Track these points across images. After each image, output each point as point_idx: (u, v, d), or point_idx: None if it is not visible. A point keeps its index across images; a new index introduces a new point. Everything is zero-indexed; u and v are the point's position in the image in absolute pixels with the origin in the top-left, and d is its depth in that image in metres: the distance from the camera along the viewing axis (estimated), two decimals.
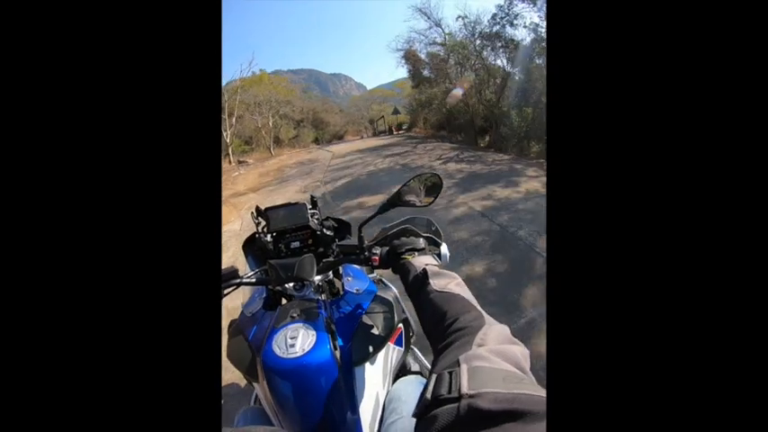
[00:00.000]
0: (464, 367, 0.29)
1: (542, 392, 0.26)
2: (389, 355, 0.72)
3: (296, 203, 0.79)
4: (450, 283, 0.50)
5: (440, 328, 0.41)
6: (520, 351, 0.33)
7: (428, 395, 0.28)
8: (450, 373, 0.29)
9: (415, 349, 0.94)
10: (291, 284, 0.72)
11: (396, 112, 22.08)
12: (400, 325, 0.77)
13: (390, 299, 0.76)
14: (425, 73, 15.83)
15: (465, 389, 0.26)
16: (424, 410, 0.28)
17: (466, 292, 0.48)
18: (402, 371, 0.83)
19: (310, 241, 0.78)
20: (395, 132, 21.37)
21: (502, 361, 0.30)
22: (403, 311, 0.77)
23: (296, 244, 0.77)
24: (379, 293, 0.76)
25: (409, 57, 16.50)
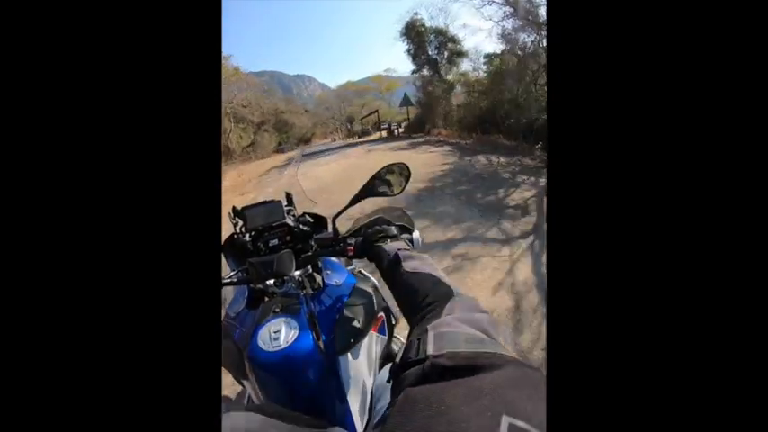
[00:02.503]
0: (431, 334, 0.31)
1: (503, 351, 0.28)
2: (373, 343, 0.76)
3: (272, 201, 0.80)
4: (421, 264, 0.53)
5: (413, 306, 0.45)
6: (486, 318, 0.36)
7: (398, 360, 0.31)
8: (419, 340, 0.32)
9: (400, 337, 0.98)
10: (272, 281, 0.73)
11: (406, 102, 17.44)
12: (381, 313, 0.81)
13: (370, 289, 0.80)
14: (431, 52, 13.66)
15: (430, 351, 0.29)
16: (396, 374, 0.31)
17: (436, 270, 0.51)
18: (388, 358, 0.87)
19: (288, 238, 0.80)
20: (397, 133, 17.35)
21: (467, 327, 0.33)
22: (383, 300, 0.82)
23: (274, 241, 0.79)
24: (358, 285, 0.80)
25: (412, 30, 13.90)
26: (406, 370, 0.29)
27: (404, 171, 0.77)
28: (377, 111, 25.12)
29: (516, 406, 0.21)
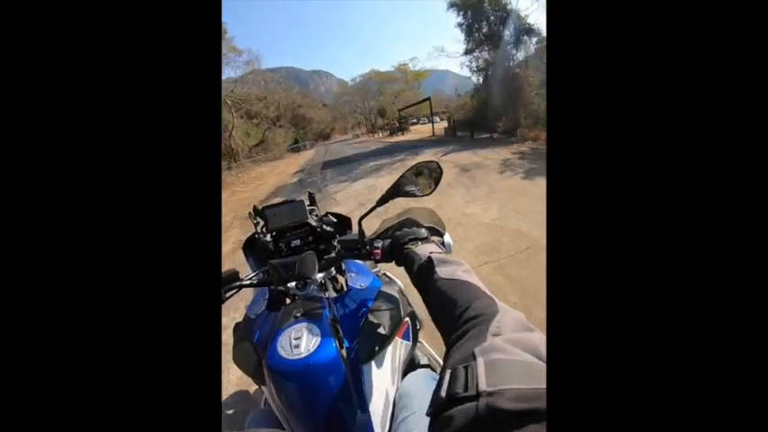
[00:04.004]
0: (480, 361, 0.28)
1: None
2: (397, 349, 0.73)
3: (294, 201, 0.79)
4: (457, 270, 0.48)
5: (450, 318, 0.40)
6: (539, 338, 0.31)
7: (443, 393, 0.27)
8: (466, 368, 0.28)
9: (424, 342, 0.95)
10: (294, 284, 0.72)
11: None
12: (407, 319, 0.78)
13: (395, 293, 0.77)
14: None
15: (483, 386, 0.25)
16: (440, 409, 0.27)
17: (475, 279, 0.47)
18: (411, 365, 0.84)
19: (310, 238, 0.78)
20: (447, 129, 14.30)
21: (521, 351, 0.29)
22: (409, 305, 0.79)
23: (296, 242, 0.78)
24: (383, 288, 0.77)
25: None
26: (451, 406, 0.25)
27: (434, 171, 0.73)
28: (429, 99, 19.97)
29: None
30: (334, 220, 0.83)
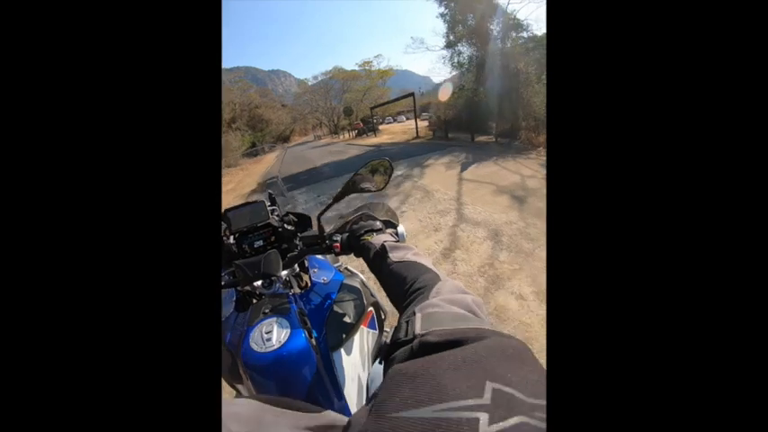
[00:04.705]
0: (418, 315, 0.33)
1: (486, 326, 0.30)
2: (364, 338, 0.78)
3: (255, 202, 0.81)
4: (407, 254, 0.55)
5: (401, 293, 0.46)
6: (471, 299, 0.38)
7: (388, 341, 0.33)
8: (407, 322, 0.33)
9: (389, 331, 1.00)
10: (260, 283, 0.74)
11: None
12: (371, 308, 0.82)
13: (357, 284, 0.81)
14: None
15: (417, 330, 0.30)
16: (387, 354, 0.32)
17: (423, 259, 0.53)
18: (380, 352, 0.90)
19: (273, 238, 0.80)
20: (438, 131, 12.54)
21: (453, 307, 0.35)
22: (372, 295, 0.84)
23: (259, 242, 0.79)
24: (345, 281, 0.81)
25: None
26: (395, 350, 0.31)
27: (387, 168, 0.79)
28: (412, 94, 16.87)
29: (499, 372, 0.23)
30: (295, 219, 0.86)
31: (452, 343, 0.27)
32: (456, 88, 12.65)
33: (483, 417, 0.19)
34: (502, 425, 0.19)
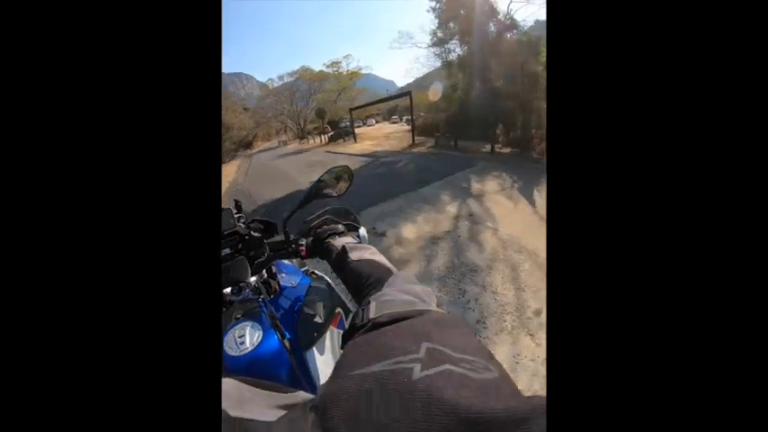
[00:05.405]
0: (373, 303, 0.37)
1: (432, 308, 0.35)
2: (335, 339, 0.82)
3: (222, 210, 0.82)
4: (365, 253, 0.60)
5: (359, 287, 0.52)
6: (421, 288, 0.43)
7: (346, 328, 0.38)
8: (363, 309, 0.38)
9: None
10: (229, 290, 0.76)
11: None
12: (338, 309, 0.87)
13: (324, 287, 0.86)
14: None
15: (371, 316, 0.35)
16: (346, 339, 0.36)
17: (379, 257, 0.59)
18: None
19: (240, 246, 0.82)
20: (439, 138, 11.09)
21: (404, 295, 0.39)
22: (339, 297, 0.88)
23: (226, 250, 0.81)
24: (313, 284, 0.86)
25: None
26: (353, 334, 0.35)
27: (348, 174, 0.84)
28: (410, 93, 14.61)
29: (434, 336, 0.28)
30: (261, 226, 0.88)
31: (400, 320, 0.32)
32: (447, 89, 11.42)
33: (417, 366, 0.24)
34: (431, 371, 0.23)
